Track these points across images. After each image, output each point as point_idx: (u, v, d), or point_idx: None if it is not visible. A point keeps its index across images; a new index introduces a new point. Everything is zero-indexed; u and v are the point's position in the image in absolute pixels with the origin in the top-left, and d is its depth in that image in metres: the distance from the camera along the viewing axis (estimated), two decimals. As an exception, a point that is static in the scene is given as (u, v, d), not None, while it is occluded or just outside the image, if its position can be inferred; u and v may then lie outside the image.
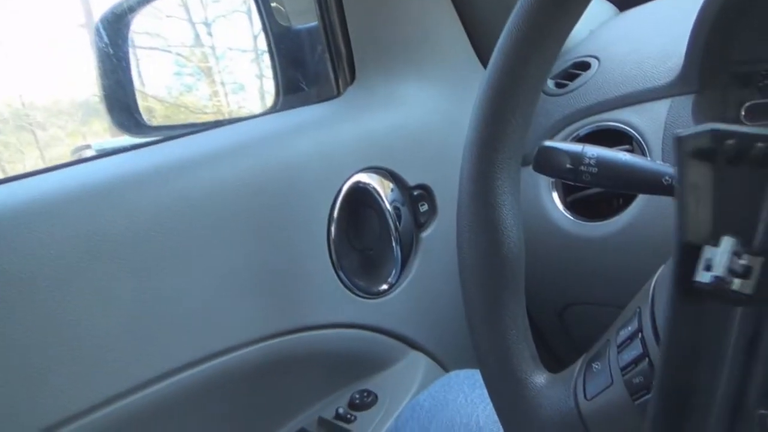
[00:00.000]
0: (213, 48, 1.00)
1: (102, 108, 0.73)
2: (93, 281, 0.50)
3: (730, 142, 0.22)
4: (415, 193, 0.73)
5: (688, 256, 0.23)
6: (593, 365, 0.33)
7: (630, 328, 0.32)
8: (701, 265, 0.22)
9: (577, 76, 0.74)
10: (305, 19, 0.79)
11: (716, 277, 0.21)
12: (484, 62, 0.80)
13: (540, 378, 0.35)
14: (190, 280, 0.56)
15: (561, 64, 0.77)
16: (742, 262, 0.21)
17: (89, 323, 0.50)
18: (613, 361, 0.32)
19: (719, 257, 0.22)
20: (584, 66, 0.74)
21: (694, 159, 0.23)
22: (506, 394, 0.36)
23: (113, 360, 0.51)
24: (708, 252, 0.22)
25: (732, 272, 0.21)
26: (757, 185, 0.22)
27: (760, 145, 0.22)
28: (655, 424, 0.26)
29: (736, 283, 0.21)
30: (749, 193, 0.22)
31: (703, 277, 0.22)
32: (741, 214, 0.22)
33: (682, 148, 0.23)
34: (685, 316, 0.24)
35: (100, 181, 0.53)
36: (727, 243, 0.22)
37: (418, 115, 0.75)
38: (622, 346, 0.32)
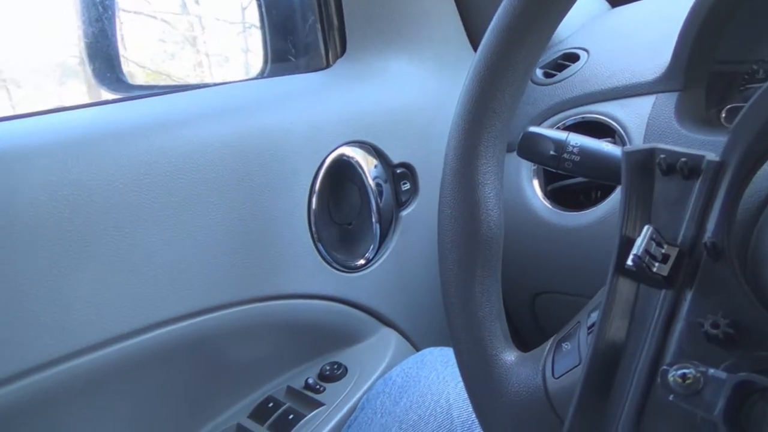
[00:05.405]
0: (199, 17, 0.97)
1: (81, 70, 0.71)
2: (65, 230, 0.49)
3: (663, 156, 0.27)
4: (398, 171, 0.73)
5: (624, 245, 0.28)
6: (563, 345, 0.34)
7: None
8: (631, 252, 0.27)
9: (565, 67, 0.74)
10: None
11: (635, 256, 0.26)
12: (475, 44, 0.80)
13: (510, 355, 0.36)
14: (166, 238, 0.55)
15: (551, 54, 0.77)
16: (662, 250, 0.26)
17: (58, 273, 0.49)
18: (582, 342, 0.33)
19: (639, 241, 0.27)
20: (573, 57, 0.74)
21: (636, 169, 0.28)
22: (476, 369, 0.37)
23: (82, 313, 0.51)
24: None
25: (652, 256, 0.26)
26: (682, 193, 0.27)
27: (683, 160, 0.27)
28: (588, 378, 0.29)
29: (656, 266, 0.26)
30: (676, 198, 0.27)
31: (630, 260, 0.27)
32: (668, 214, 0.28)
33: (627, 160, 0.29)
34: (619, 291, 0.29)
35: (76, 131, 0.52)
36: (646, 230, 0.27)
37: (406, 92, 0.75)
38: (591, 328, 0.32)
